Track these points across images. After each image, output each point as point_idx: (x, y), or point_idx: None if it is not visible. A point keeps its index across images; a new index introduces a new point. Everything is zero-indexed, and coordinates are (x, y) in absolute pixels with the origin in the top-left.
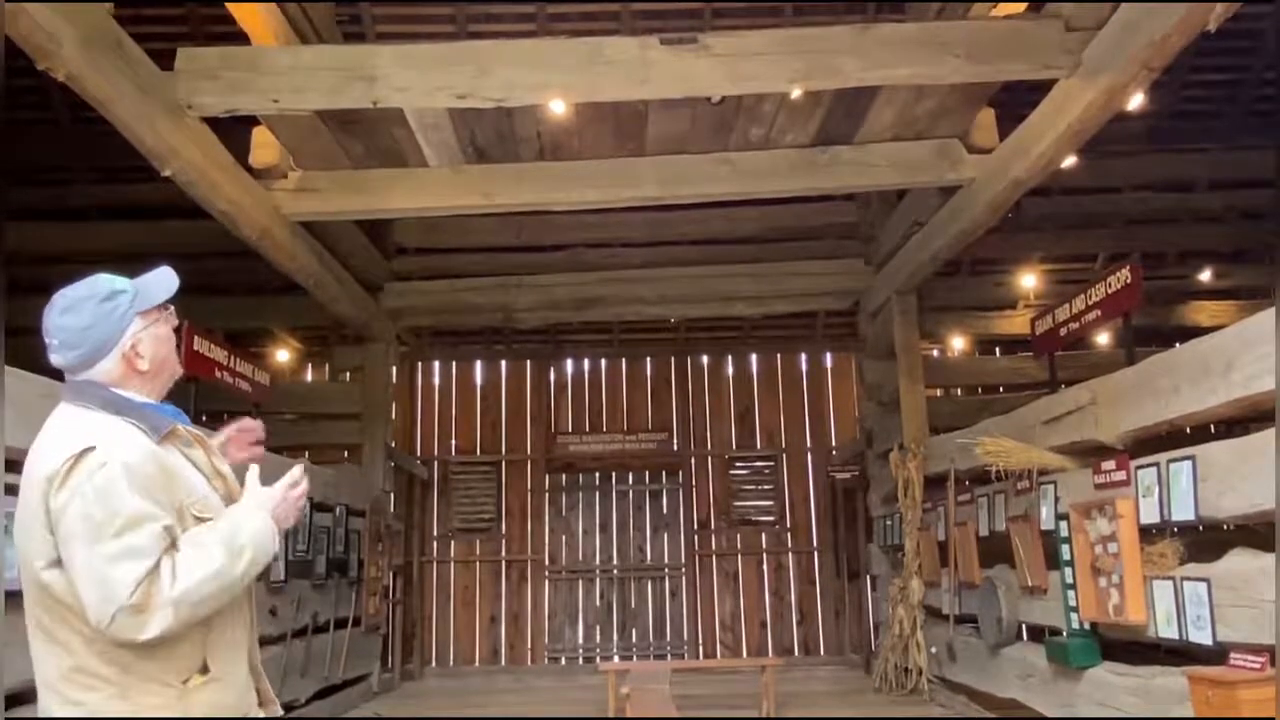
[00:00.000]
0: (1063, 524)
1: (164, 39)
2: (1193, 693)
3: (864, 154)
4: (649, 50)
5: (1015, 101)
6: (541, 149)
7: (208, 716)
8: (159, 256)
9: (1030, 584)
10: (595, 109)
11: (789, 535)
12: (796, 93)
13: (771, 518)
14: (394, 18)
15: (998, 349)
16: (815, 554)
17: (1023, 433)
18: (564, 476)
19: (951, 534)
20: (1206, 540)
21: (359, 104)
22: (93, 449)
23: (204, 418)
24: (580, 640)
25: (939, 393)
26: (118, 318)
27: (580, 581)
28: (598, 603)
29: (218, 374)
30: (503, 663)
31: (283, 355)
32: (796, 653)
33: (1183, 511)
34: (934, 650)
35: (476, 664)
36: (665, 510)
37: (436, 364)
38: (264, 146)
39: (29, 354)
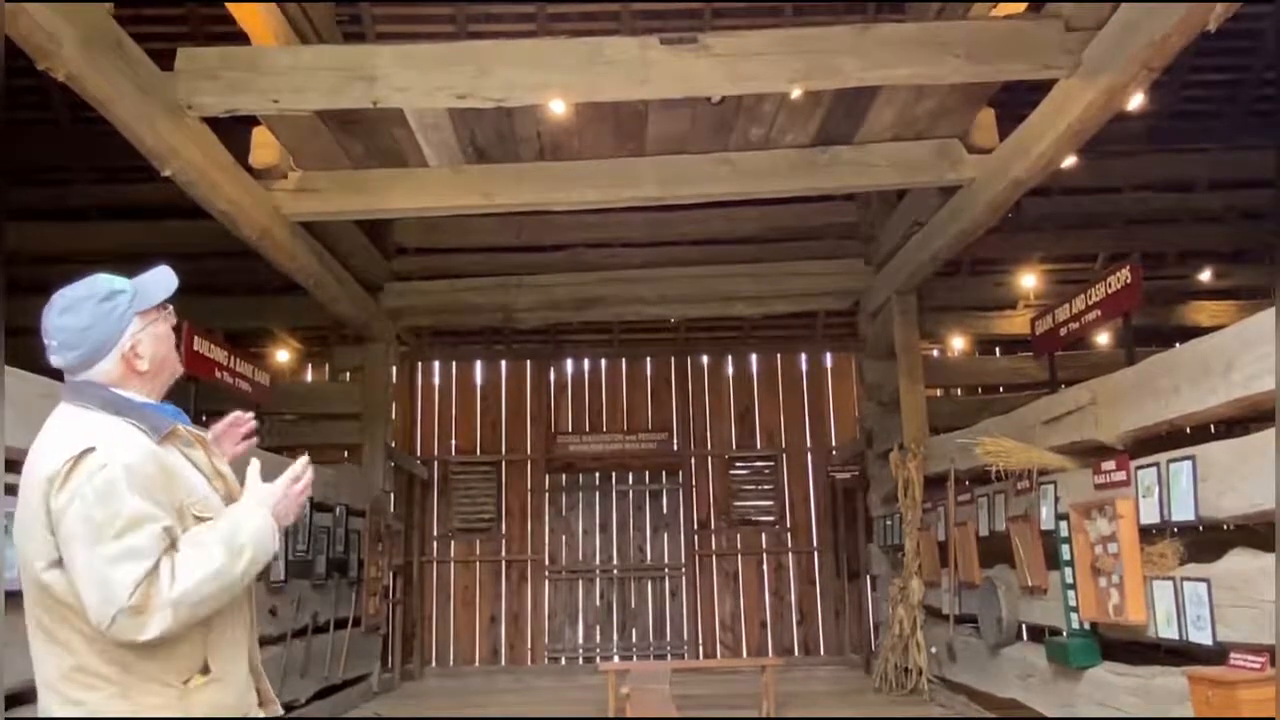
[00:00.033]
0: (1063, 524)
1: (164, 39)
2: (1193, 693)
3: (864, 154)
4: (649, 50)
5: (1015, 101)
6: (541, 149)
7: (208, 716)
8: (159, 256)
9: (1030, 584)
10: (595, 109)
11: (789, 535)
12: (796, 93)
13: (771, 518)
14: (394, 18)
15: (998, 349)
16: (815, 554)
17: (1023, 433)
18: (564, 476)
19: (951, 534)
20: (1206, 540)
21: (359, 104)
22: (93, 450)
23: (204, 418)
24: (580, 640)
25: (939, 393)
26: (116, 318)
27: (580, 581)
28: (598, 603)
29: (218, 374)
30: (503, 663)
31: (283, 355)
32: (796, 653)
33: (1183, 511)
34: (934, 650)
35: (476, 664)
36: (665, 510)
37: (436, 364)
38: (264, 146)
39: (29, 354)
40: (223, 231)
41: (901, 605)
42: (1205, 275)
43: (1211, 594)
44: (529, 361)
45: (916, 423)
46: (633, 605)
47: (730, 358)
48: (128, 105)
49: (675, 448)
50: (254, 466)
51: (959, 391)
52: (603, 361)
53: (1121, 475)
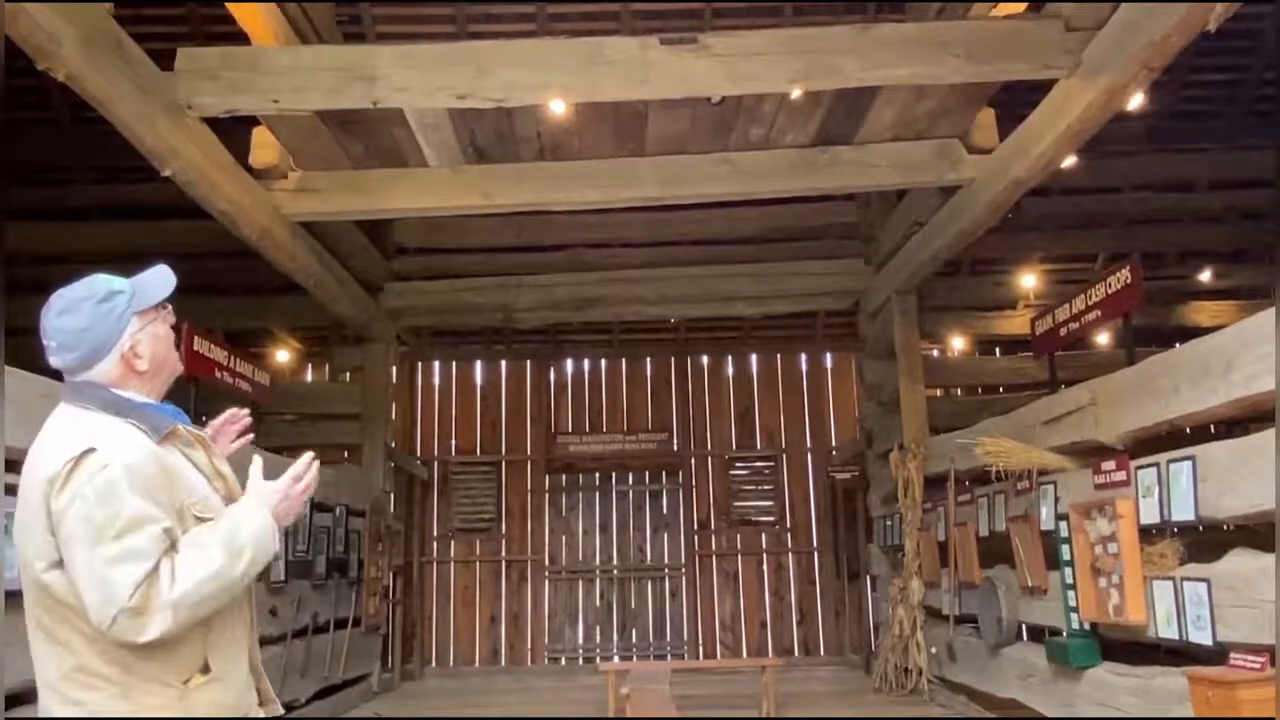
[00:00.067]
0: (1063, 524)
1: (164, 39)
2: (1193, 693)
3: (864, 154)
4: (649, 50)
5: (1015, 101)
6: (541, 149)
7: (208, 716)
8: (159, 256)
9: (1030, 584)
10: (595, 109)
11: (789, 535)
12: (796, 93)
13: (771, 518)
14: (394, 18)
15: (998, 349)
16: (815, 554)
17: (1023, 433)
18: (564, 477)
19: (951, 534)
20: (1206, 540)
21: (359, 104)
22: (94, 451)
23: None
24: (580, 640)
25: (939, 393)
26: (115, 318)
27: (580, 582)
28: (598, 603)
29: (218, 374)
30: (503, 663)
31: (283, 355)
32: (796, 653)
33: (1183, 512)
34: (934, 650)
35: (476, 664)
36: (665, 510)
37: (436, 364)
38: (264, 146)
39: (29, 354)
40: (223, 231)
41: (901, 605)
42: (1205, 275)
43: (1211, 594)
44: (529, 361)
45: (916, 423)
46: (633, 605)
47: (730, 358)
48: (128, 105)
49: (675, 448)
50: (256, 465)
51: (959, 391)
52: (603, 361)
53: (1121, 475)
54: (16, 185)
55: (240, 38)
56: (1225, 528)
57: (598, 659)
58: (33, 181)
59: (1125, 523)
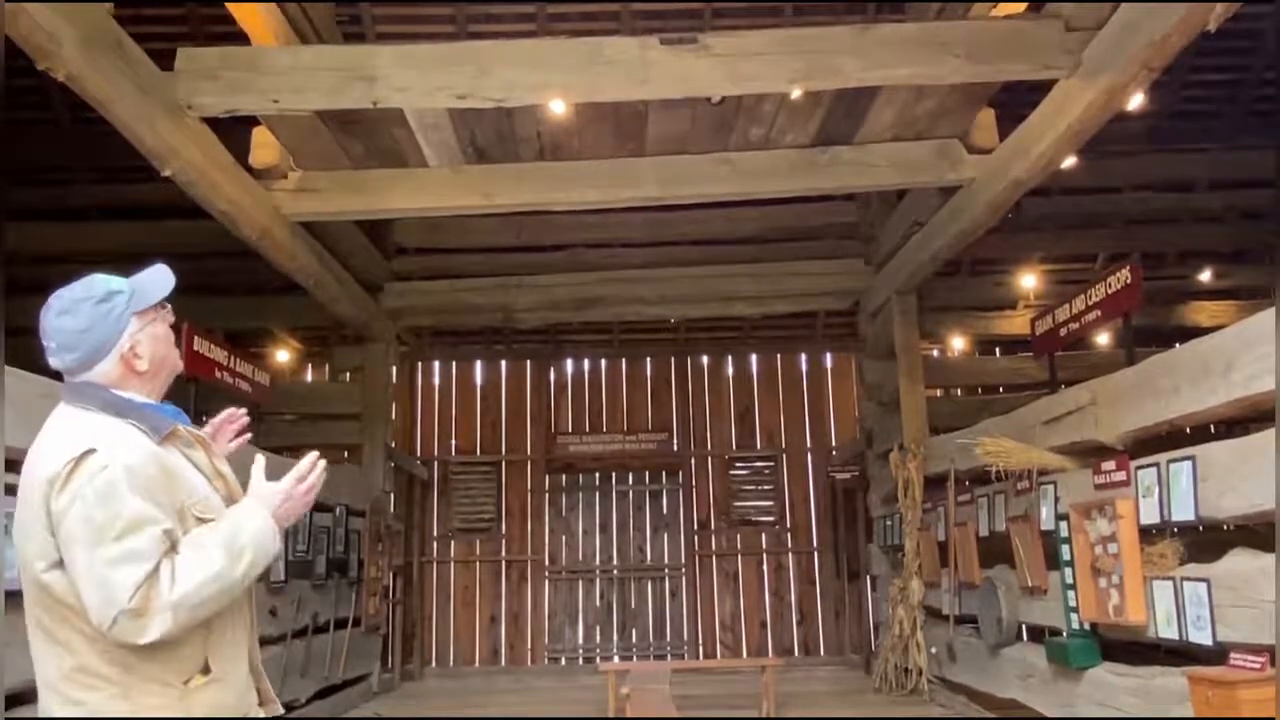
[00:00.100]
0: (1063, 524)
1: (164, 39)
2: (1193, 693)
3: (864, 154)
4: (649, 50)
5: (1015, 101)
6: (541, 149)
7: (209, 716)
8: (159, 256)
9: (1030, 584)
10: (595, 109)
11: (789, 535)
12: (796, 93)
13: (771, 518)
14: (394, 18)
15: (998, 349)
16: (815, 554)
17: (1023, 433)
18: (564, 477)
19: (951, 534)
20: (1206, 540)
21: (359, 104)
22: (94, 451)
23: (203, 418)
24: (580, 640)
25: (939, 393)
26: (114, 319)
27: (580, 582)
28: (598, 603)
29: (218, 374)
30: (503, 663)
31: (283, 355)
32: (796, 653)
33: (1183, 512)
34: (934, 650)
35: (476, 664)
36: (665, 510)
37: (436, 364)
38: (264, 146)
39: (29, 354)
40: (223, 231)
41: (901, 605)
42: (1205, 275)
43: (1211, 594)
44: (529, 361)
45: (916, 423)
46: (633, 605)
47: (730, 358)
48: (128, 105)
49: (675, 448)
50: (258, 465)
51: (959, 391)
52: (603, 361)
53: (1121, 475)
54: (16, 185)
55: (240, 38)
56: (1225, 528)
57: (598, 659)
58: (33, 181)
59: (1125, 523)
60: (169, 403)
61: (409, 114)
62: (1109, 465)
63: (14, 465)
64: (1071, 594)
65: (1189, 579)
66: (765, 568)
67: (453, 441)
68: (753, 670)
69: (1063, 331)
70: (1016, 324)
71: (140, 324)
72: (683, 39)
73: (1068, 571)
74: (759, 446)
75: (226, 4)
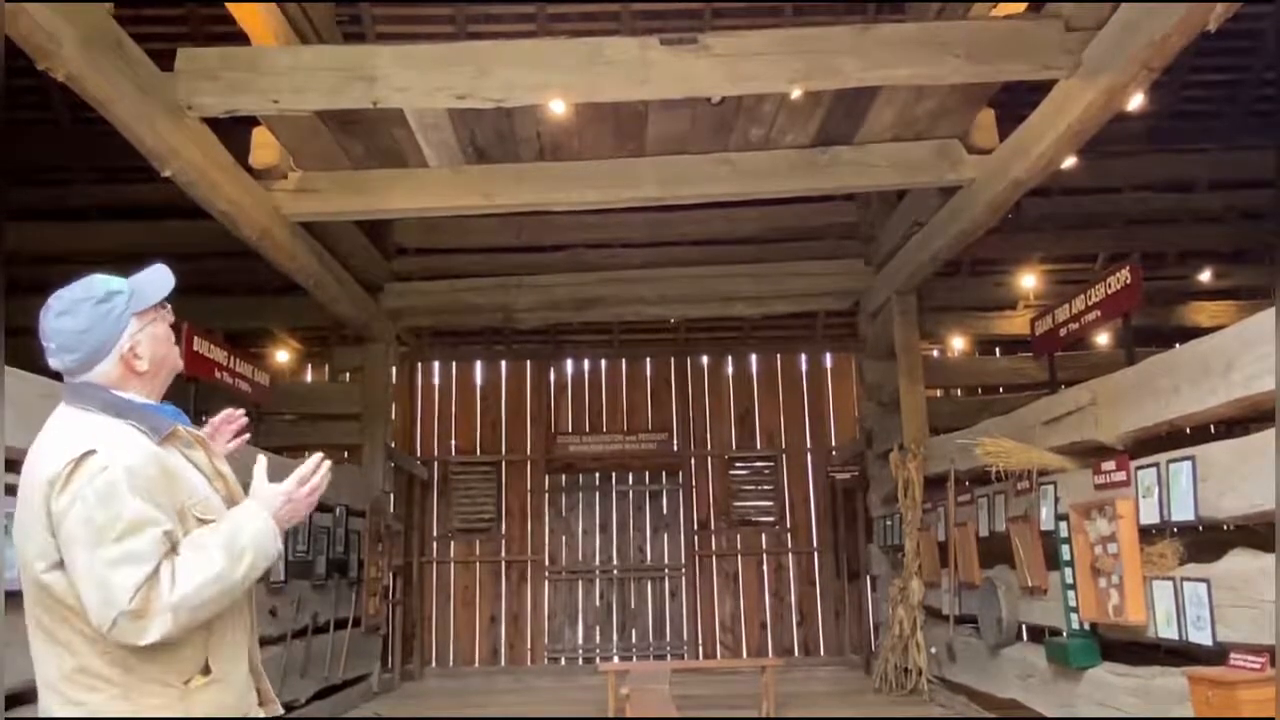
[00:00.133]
0: (1063, 524)
1: (164, 39)
2: (1193, 693)
3: (864, 154)
4: (649, 50)
5: (1015, 101)
6: (541, 149)
7: (209, 717)
8: (159, 257)
9: (1030, 584)
10: (595, 109)
11: (789, 536)
12: (796, 93)
13: (771, 518)
14: (394, 18)
15: (998, 349)
16: (815, 554)
17: (1023, 433)
18: (564, 477)
19: (951, 534)
20: (1206, 540)
21: (359, 104)
22: (94, 452)
23: (203, 418)
24: (580, 640)
25: (939, 393)
26: (114, 319)
27: (580, 582)
28: (597, 603)
29: (217, 375)
30: (503, 663)
31: (283, 355)
32: (796, 653)
33: (1183, 512)
34: (934, 650)
35: (476, 664)
36: (665, 510)
37: (436, 364)
38: (264, 147)
39: (29, 354)
40: (223, 231)
41: (901, 606)
42: (1205, 275)
43: (1211, 594)
44: (529, 362)
45: (916, 423)
46: (632, 606)
47: (730, 358)
48: (128, 105)
49: (675, 448)
50: (260, 466)
51: (959, 392)
52: (603, 362)
53: (1121, 475)
54: (16, 185)
55: (240, 38)
56: (1225, 528)
57: (597, 659)
58: (33, 181)
59: (1125, 523)
60: (169, 403)
61: (409, 114)
62: (1109, 465)
63: (14, 465)
64: (1071, 594)
65: (1189, 579)
66: (765, 568)
67: (453, 441)
68: (753, 670)
69: (1063, 332)
70: (1016, 324)
71: (140, 324)
72: (683, 39)
73: (1068, 571)
74: (759, 447)
75: (226, 4)
